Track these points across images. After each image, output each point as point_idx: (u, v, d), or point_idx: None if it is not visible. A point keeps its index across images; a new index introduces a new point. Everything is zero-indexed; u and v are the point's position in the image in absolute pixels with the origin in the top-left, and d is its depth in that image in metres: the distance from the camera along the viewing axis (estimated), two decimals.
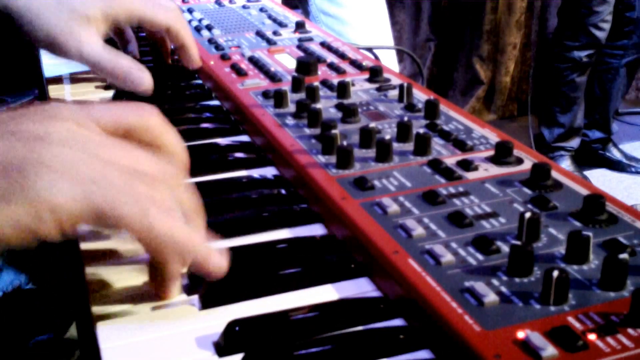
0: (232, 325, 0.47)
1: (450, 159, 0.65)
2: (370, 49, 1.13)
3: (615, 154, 2.99)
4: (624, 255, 0.46)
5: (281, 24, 1.12)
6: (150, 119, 0.53)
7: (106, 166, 0.45)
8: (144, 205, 0.45)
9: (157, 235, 0.46)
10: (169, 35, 0.89)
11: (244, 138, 0.81)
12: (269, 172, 0.73)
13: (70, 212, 0.43)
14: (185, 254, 0.48)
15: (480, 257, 0.50)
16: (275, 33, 1.07)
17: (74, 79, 1.01)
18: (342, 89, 0.81)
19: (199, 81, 0.99)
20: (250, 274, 0.54)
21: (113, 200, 0.44)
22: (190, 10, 1.20)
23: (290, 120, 0.75)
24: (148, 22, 0.86)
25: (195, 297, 0.52)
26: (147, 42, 1.17)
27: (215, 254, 0.49)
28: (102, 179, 0.45)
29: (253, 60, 0.94)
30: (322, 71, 0.90)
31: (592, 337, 0.42)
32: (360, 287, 0.54)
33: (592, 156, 3.01)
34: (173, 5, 0.90)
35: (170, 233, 0.46)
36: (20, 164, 0.43)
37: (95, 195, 0.44)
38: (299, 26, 1.08)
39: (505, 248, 0.51)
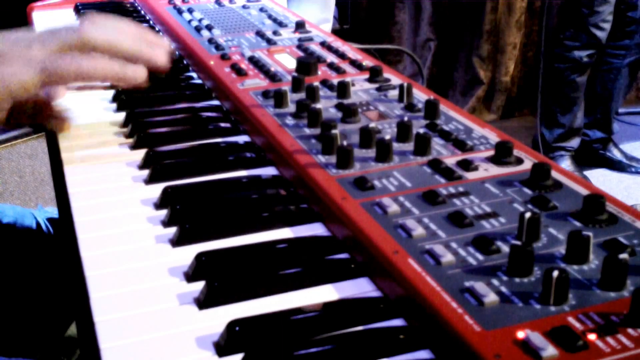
0: (232, 325, 0.48)
1: (450, 159, 0.65)
2: (370, 49, 1.13)
3: (615, 154, 2.98)
4: (624, 255, 0.46)
5: (281, 24, 1.12)
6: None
7: (44, 51, 0.70)
8: (74, 62, 0.71)
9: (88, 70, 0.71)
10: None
11: (244, 138, 0.81)
12: (269, 172, 0.73)
13: (29, 80, 0.69)
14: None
15: (480, 257, 0.50)
16: (275, 33, 1.07)
17: None
18: (342, 89, 0.81)
19: (199, 81, 0.99)
20: (250, 274, 0.54)
21: (54, 66, 0.70)
22: (190, 10, 1.20)
23: (290, 120, 0.75)
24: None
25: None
26: None
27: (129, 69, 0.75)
28: (44, 58, 0.70)
29: (253, 60, 0.94)
30: (322, 71, 0.90)
31: (592, 337, 0.42)
32: (360, 287, 0.54)
33: (592, 156, 3.01)
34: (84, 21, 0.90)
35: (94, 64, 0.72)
36: None
37: (42, 67, 0.69)
38: (299, 26, 1.08)
39: (505, 248, 0.51)
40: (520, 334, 0.42)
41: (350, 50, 0.98)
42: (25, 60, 0.69)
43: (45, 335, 0.99)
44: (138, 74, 0.75)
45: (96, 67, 0.72)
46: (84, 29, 0.73)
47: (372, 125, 0.69)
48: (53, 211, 1.06)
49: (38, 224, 1.02)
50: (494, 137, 0.69)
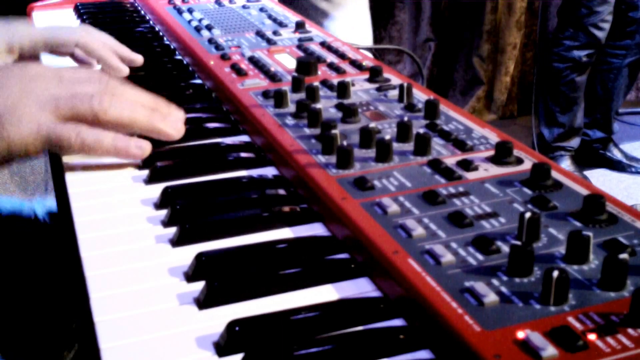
0: (232, 325, 0.48)
1: (450, 159, 0.65)
2: (370, 49, 1.13)
3: (615, 154, 2.98)
4: (624, 255, 0.46)
5: (281, 24, 1.12)
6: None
7: (54, 114, 0.69)
8: (79, 138, 0.70)
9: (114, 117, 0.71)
10: (83, 52, 0.94)
11: (244, 138, 0.81)
12: (269, 172, 0.73)
13: (31, 144, 0.68)
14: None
15: (480, 257, 0.50)
16: (275, 33, 1.07)
17: None
18: (342, 89, 0.81)
19: (199, 81, 0.99)
20: (250, 274, 0.54)
21: (59, 137, 0.68)
22: (190, 10, 1.20)
23: (290, 120, 0.75)
24: (53, 44, 0.91)
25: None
26: (141, 44, 1.17)
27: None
28: (52, 124, 0.68)
29: (253, 60, 0.94)
30: (322, 71, 0.90)
31: (592, 337, 0.42)
32: (360, 287, 0.54)
33: (592, 156, 3.01)
34: (80, 27, 0.97)
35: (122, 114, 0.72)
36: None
37: (48, 134, 0.68)
38: (299, 26, 1.08)
39: (505, 248, 0.51)
40: (520, 334, 0.42)
41: (350, 50, 0.98)
42: (34, 122, 0.68)
43: (45, 328, 0.99)
44: (143, 151, 0.73)
45: (100, 144, 0.71)
46: (100, 104, 0.71)
47: (372, 125, 0.69)
48: (51, 203, 1.06)
49: (36, 214, 1.02)
50: (494, 137, 0.69)
